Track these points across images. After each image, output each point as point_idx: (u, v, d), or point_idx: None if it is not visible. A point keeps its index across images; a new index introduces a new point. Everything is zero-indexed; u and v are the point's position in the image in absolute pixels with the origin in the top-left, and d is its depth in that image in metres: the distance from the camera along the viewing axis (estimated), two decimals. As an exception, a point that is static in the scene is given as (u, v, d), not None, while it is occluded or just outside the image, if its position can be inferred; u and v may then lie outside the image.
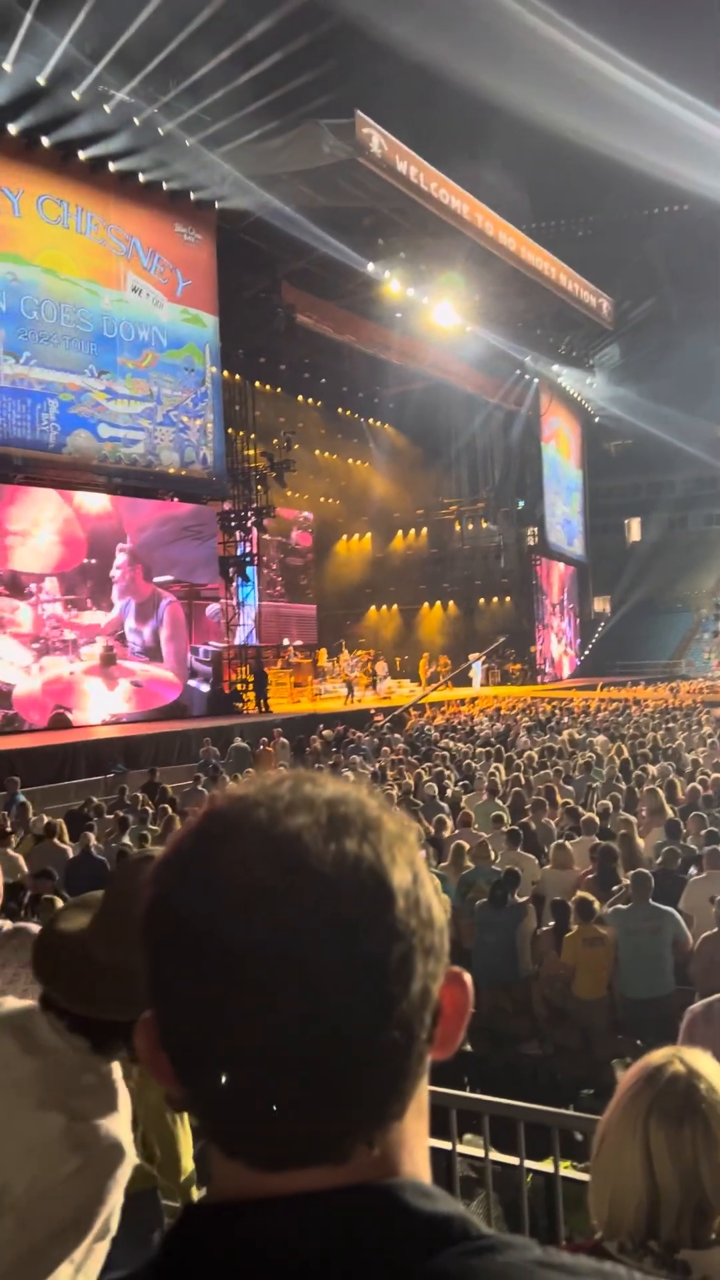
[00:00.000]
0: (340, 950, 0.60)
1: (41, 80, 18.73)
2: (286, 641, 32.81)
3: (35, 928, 2.18)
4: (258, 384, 29.01)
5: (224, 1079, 0.60)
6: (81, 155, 20.41)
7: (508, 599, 37.96)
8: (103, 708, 20.76)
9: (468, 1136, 3.70)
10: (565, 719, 21.36)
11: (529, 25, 26.19)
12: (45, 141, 19.69)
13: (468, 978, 0.68)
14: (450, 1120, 3.40)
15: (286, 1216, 0.60)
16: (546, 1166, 3.36)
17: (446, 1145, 3.37)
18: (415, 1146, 0.65)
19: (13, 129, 19.11)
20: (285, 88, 21.69)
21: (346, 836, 0.63)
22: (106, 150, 20.60)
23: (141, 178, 21.69)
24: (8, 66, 18.20)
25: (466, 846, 8.47)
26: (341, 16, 22.28)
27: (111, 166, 21.03)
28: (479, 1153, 3.45)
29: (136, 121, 20.72)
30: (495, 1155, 3.44)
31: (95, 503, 21.32)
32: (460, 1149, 3.51)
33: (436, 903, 0.66)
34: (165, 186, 22.21)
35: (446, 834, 9.36)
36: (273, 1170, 0.61)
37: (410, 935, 0.62)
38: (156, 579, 22.26)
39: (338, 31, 22.98)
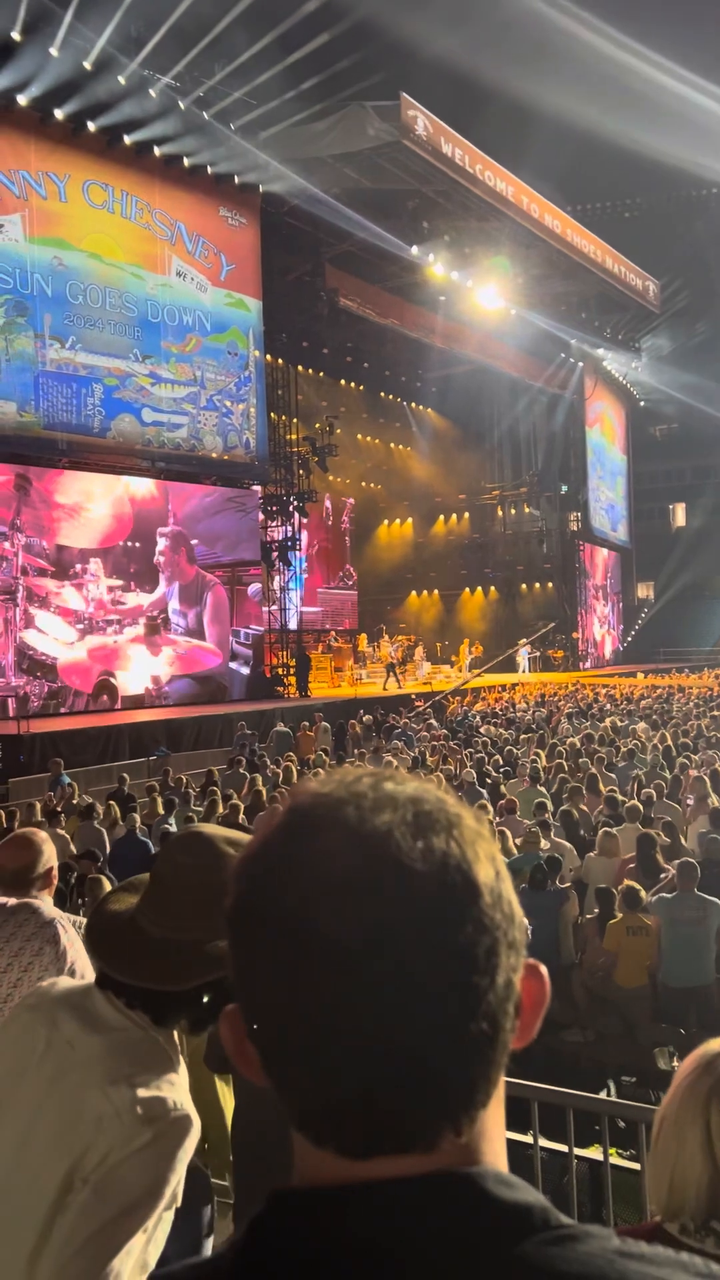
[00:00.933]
0: (431, 944, 0.61)
1: (87, 65, 18.80)
2: (329, 627, 32.87)
3: (40, 904, 2.21)
4: (300, 368, 29.02)
5: (314, 1070, 0.62)
6: (127, 140, 20.47)
7: (550, 585, 37.74)
8: (145, 672, 21.06)
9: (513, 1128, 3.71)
10: (608, 706, 21.22)
11: (567, 25, 26.04)
12: (91, 126, 19.77)
13: (544, 970, 0.69)
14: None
15: (375, 1202, 0.61)
16: (594, 1154, 3.36)
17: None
18: (495, 1135, 0.66)
19: (59, 114, 19.19)
20: (328, 71, 21.61)
21: (433, 833, 0.64)
22: (151, 135, 20.65)
23: (186, 162, 21.72)
24: (54, 52, 18.27)
25: (509, 833, 8.46)
26: (385, 2, 22.16)
27: (156, 151, 21.08)
28: (527, 1139, 3.46)
29: (181, 106, 20.73)
30: (544, 1142, 3.45)
31: (141, 485, 21.49)
32: (508, 1135, 3.51)
33: (515, 898, 0.67)
34: (210, 170, 22.22)
35: (497, 820, 9.34)
36: (362, 1158, 0.62)
37: (495, 929, 0.64)
38: (200, 555, 22.44)
39: (380, 18, 22.84)
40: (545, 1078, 3.63)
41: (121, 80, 19.45)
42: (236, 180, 22.80)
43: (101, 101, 19.49)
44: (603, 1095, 5.19)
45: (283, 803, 0.69)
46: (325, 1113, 0.63)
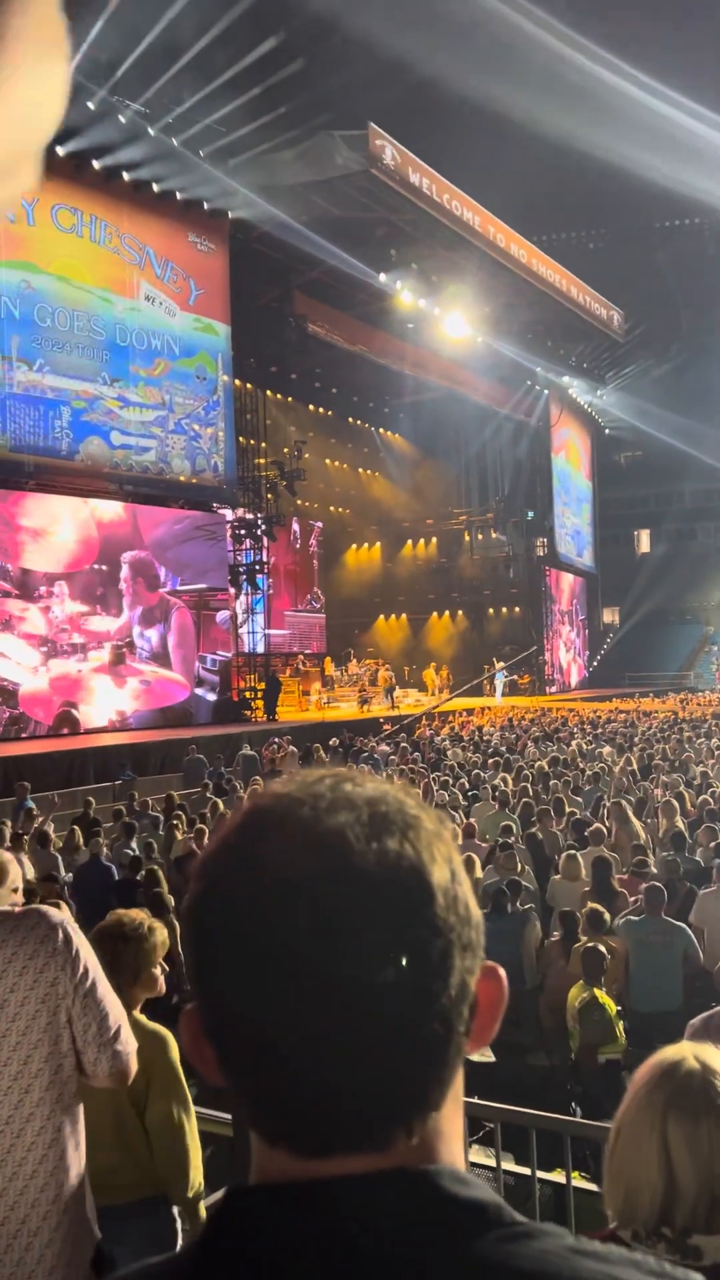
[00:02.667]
0: (383, 945, 0.62)
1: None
2: (296, 649, 32.84)
3: (51, 911, 2.22)
4: (269, 393, 29.13)
5: (268, 1069, 0.63)
6: (96, 165, 20.52)
7: (517, 609, 37.96)
8: (109, 706, 20.84)
9: (476, 1147, 3.70)
10: (574, 730, 21.32)
11: (537, 38, 26.35)
12: (60, 152, 19.78)
13: (502, 972, 0.70)
14: (462, 1127, 3.39)
15: (329, 1198, 0.62)
16: (558, 1178, 3.35)
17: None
18: (451, 1135, 0.67)
19: (28, 138, 19.20)
20: (297, 100, 21.81)
21: (387, 835, 0.65)
22: (120, 160, 20.73)
23: (155, 187, 21.81)
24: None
25: (477, 859, 8.46)
26: (351, 31, 22.42)
27: (125, 176, 21.16)
28: (490, 1162, 3.45)
29: (151, 132, 20.83)
30: (507, 1165, 3.44)
31: (108, 508, 21.42)
32: (471, 1158, 3.50)
33: (473, 899, 0.68)
34: (179, 196, 22.33)
35: (457, 844, 9.33)
36: (315, 1157, 0.63)
37: (449, 931, 0.64)
38: (167, 584, 22.36)
39: (348, 46, 23.10)
40: (511, 1103, 3.62)
41: (91, 106, 19.51)
42: (205, 206, 22.93)
43: (71, 127, 19.50)
44: (565, 1117, 5.19)
45: (245, 802, 0.70)
46: (277, 1112, 0.64)
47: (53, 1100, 2.15)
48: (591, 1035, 5.67)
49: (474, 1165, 3.56)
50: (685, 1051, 1.42)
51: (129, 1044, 2.28)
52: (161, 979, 3.19)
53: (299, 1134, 0.63)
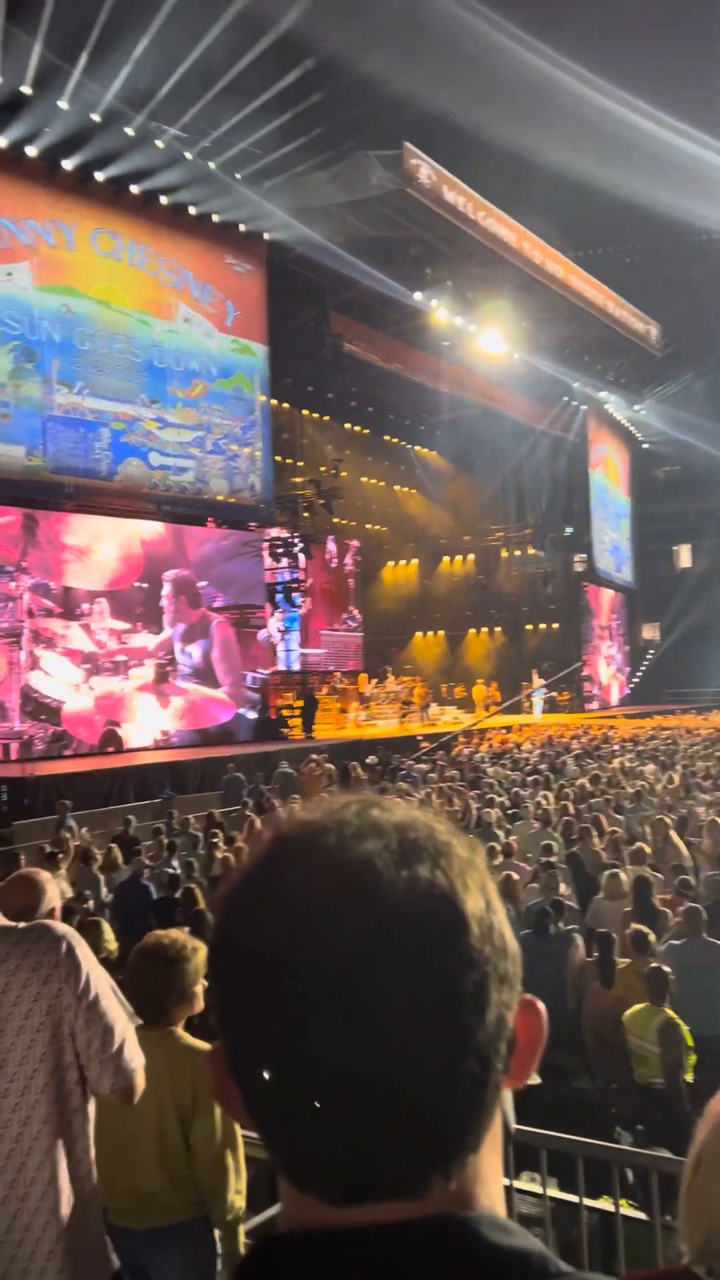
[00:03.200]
0: (413, 978, 0.59)
1: (95, 117, 19.19)
2: (332, 667, 32.88)
3: (55, 925, 2.24)
4: (306, 412, 29.29)
5: (295, 1110, 0.59)
6: (134, 190, 20.83)
7: (555, 625, 37.74)
8: (153, 725, 20.97)
9: (525, 1174, 3.64)
10: (615, 747, 21.11)
11: (563, 82, 26.59)
12: (99, 177, 20.14)
13: (541, 1006, 0.67)
14: (508, 1154, 3.34)
15: (362, 1248, 0.59)
16: (606, 1206, 3.29)
17: (504, 1181, 3.31)
18: (490, 1179, 0.64)
19: (67, 165, 19.57)
20: (333, 121, 21.99)
21: (418, 862, 0.61)
22: (158, 185, 21.02)
23: (192, 211, 22.08)
24: (63, 105, 18.65)
25: (516, 877, 8.38)
26: (385, 55, 22.59)
27: (163, 200, 21.45)
28: (537, 1189, 3.39)
29: (188, 156, 21.10)
30: (553, 1192, 3.38)
31: (151, 527, 21.62)
32: (517, 1185, 3.45)
33: (509, 930, 0.65)
34: (215, 219, 22.59)
35: (497, 863, 9.25)
36: (348, 1204, 0.59)
37: (484, 963, 0.61)
38: (210, 601, 22.51)
39: (383, 69, 23.28)
40: (554, 1127, 3.56)
41: (129, 131, 19.83)
42: (242, 228, 23.17)
43: (109, 152, 19.85)
44: (613, 1145, 5.09)
45: (267, 832, 0.67)
46: (307, 1157, 0.60)
47: (58, 1115, 2.14)
48: (673, 1057, 5.56)
49: (520, 1192, 3.51)
50: None
51: (134, 1060, 2.25)
52: (201, 997, 3.19)
53: (330, 1180, 0.60)
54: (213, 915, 0.66)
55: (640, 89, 28.42)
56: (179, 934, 3.25)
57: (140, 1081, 2.27)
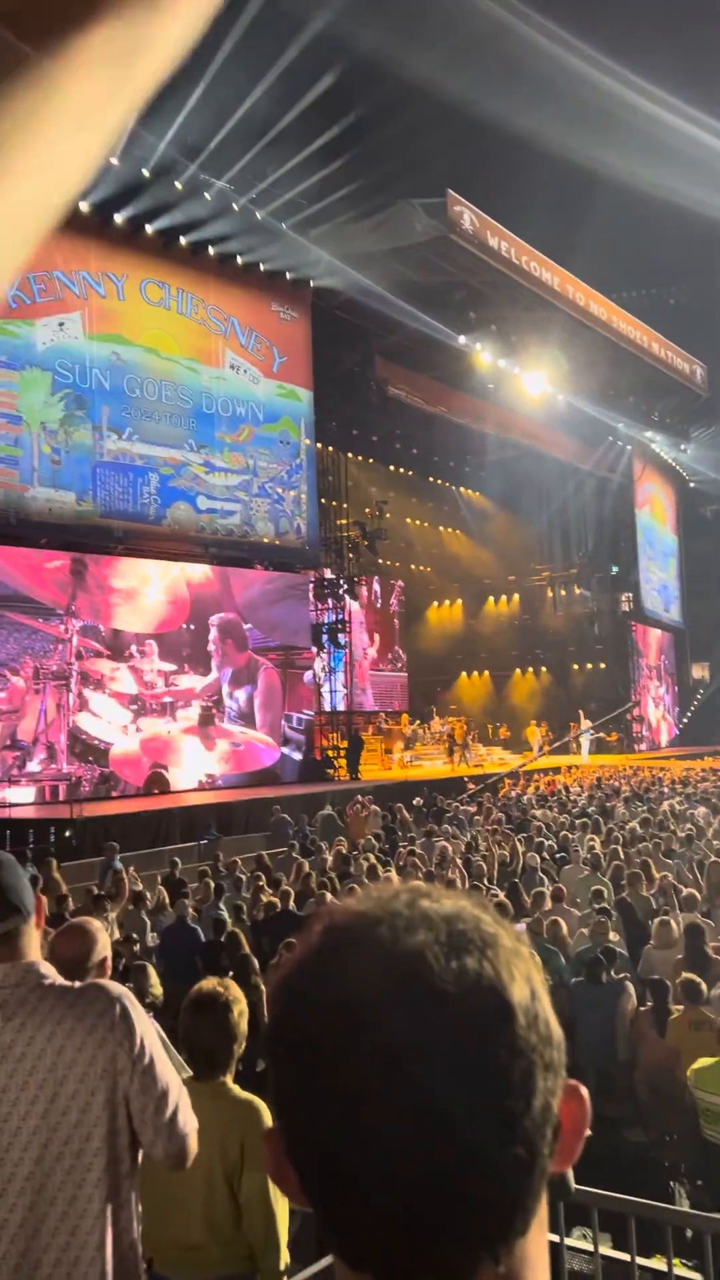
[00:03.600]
0: (464, 1067, 0.60)
1: (146, 172, 19.73)
2: (377, 708, 32.86)
3: (106, 982, 2.20)
4: (350, 455, 29.53)
5: (348, 1195, 0.61)
6: (183, 241, 21.33)
7: (602, 665, 37.46)
8: (199, 768, 21.06)
9: (577, 1230, 3.56)
10: (665, 789, 20.82)
11: (619, 95, 26.59)
12: (149, 229, 20.65)
13: (585, 1092, 0.68)
14: (558, 1211, 3.28)
15: None
16: (659, 1265, 3.21)
17: (554, 1238, 3.25)
18: (537, 1261, 0.64)
19: (119, 218, 20.10)
20: (377, 170, 22.43)
21: (466, 954, 0.63)
22: (207, 235, 21.52)
23: (240, 260, 22.54)
24: (115, 161, 19.18)
25: (564, 923, 8.27)
26: (431, 98, 23.00)
27: (211, 250, 21.93)
28: (588, 1246, 3.31)
29: (235, 207, 21.59)
30: (605, 1250, 3.30)
31: (198, 570, 21.87)
32: (569, 1242, 3.37)
33: (554, 1018, 0.66)
34: (262, 268, 23.03)
35: (546, 908, 9.13)
36: None
37: (531, 1051, 0.62)
38: (256, 644, 22.67)
39: (429, 116, 23.71)
40: (606, 1178, 3.49)
41: (178, 185, 20.35)
42: (288, 276, 23.58)
43: (159, 205, 20.38)
44: (667, 1204, 4.97)
45: (319, 922, 0.69)
46: (359, 1237, 0.61)
47: (110, 1180, 2.10)
48: None
49: (571, 1249, 3.43)
50: None
51: (188, 1124, 2.21)
52: (244, 1042, 3.20)
53: (382, 1263, 0.61)
54: (269, 1004, 0.68)
55: (700, 103, 28.40)
56: (228, 983, 3.27)
57: (193, 1147, 2.24)
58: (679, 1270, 3.28)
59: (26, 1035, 2.09)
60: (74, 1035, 2.09)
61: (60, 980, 2.20)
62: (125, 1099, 2.11)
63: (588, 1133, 0.67)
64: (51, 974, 2.20)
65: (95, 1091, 2.08)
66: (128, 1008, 2.15)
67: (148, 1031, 2.17)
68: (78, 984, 2.20)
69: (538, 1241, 0.64)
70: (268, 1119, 3.04)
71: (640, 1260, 3.35)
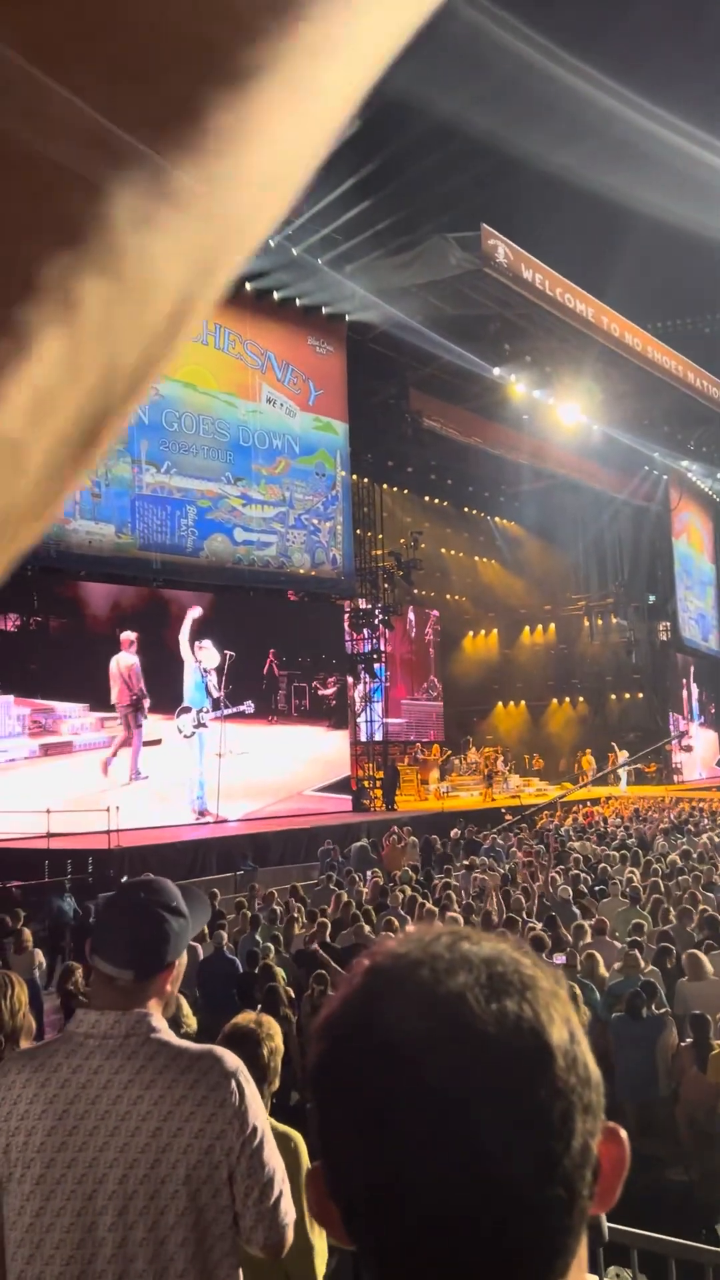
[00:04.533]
0: (504, 1109, 0.61)
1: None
2: (415, 739, 32.80)
3: (228, 1057, 2.04)
4: (385, 486, 29.68)
5: (390, 1236, 0.62)
6: (220, 277, 21.63)
7: (639, 695, 37.16)
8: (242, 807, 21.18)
9: (614, 1269, 3.52)
10: (705, 821, 20.58)
11: (648, 129, 26.74)
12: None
13: (623, 1134, 0.68)
14: (598, 1253, 3.25)
15: None
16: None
17: (593, 1279, 3.21)
18: None
19: (157, 257, 20.43)
20: (413, 206, 22.69)
21: (507, 996, 0.64)
22: (243, 271, 21.77)
23: (276, 296, 22.85)
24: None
25: (599, 957, 8.20)
26: (466, 133, 23.26)
27: (248, 286, 22.24)
28: (628, 1288, 3.28)
29: (271, 244, 21.88)
30: (646, 1293, 3.26)
31: (236, 601, 22.05)
32: (608, 1283, 3.34)
33: (592, 1060, 0.66)
34: (298, 303, 23.33)
35: (586, 941, 9.05)
36: None
37: (570, 1093, 0.63)
38: (293, 673, 22.78)
39: (463, 151, 23.97)
40: (647, 1219, 3.45)
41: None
42: (324, 311, 23.85)
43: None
44: (708, 1244, 4.88)
45: (361, 963, 0.70)
46: (400, 1277, 0.62)
47: (199, 1270, 1.93)
48: None
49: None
50: None
51: (289, 1213, 2.07)
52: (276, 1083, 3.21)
53: None
54: (312, 1044, 0.69)
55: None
56: (264, 1019, 3.29)
57: (290, 1238, 2.09)
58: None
59: (134, 1093, 1.94)
60: (183, 1104, 1.94)
61: (174, 1039, 2.04)
62: (230, 1179, 1.97)
63: (626, 1175, 0.68)
64: (163, 1028, 2.04)
65: (197, 1167, 1.92)
66: (243, 1085, 2.01)
67: (260, 1112, 2.04)
68: (194, 1046, 2.04)
69: None
70: (303, 1150, 3.05)
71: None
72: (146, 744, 19.77)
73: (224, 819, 20.54)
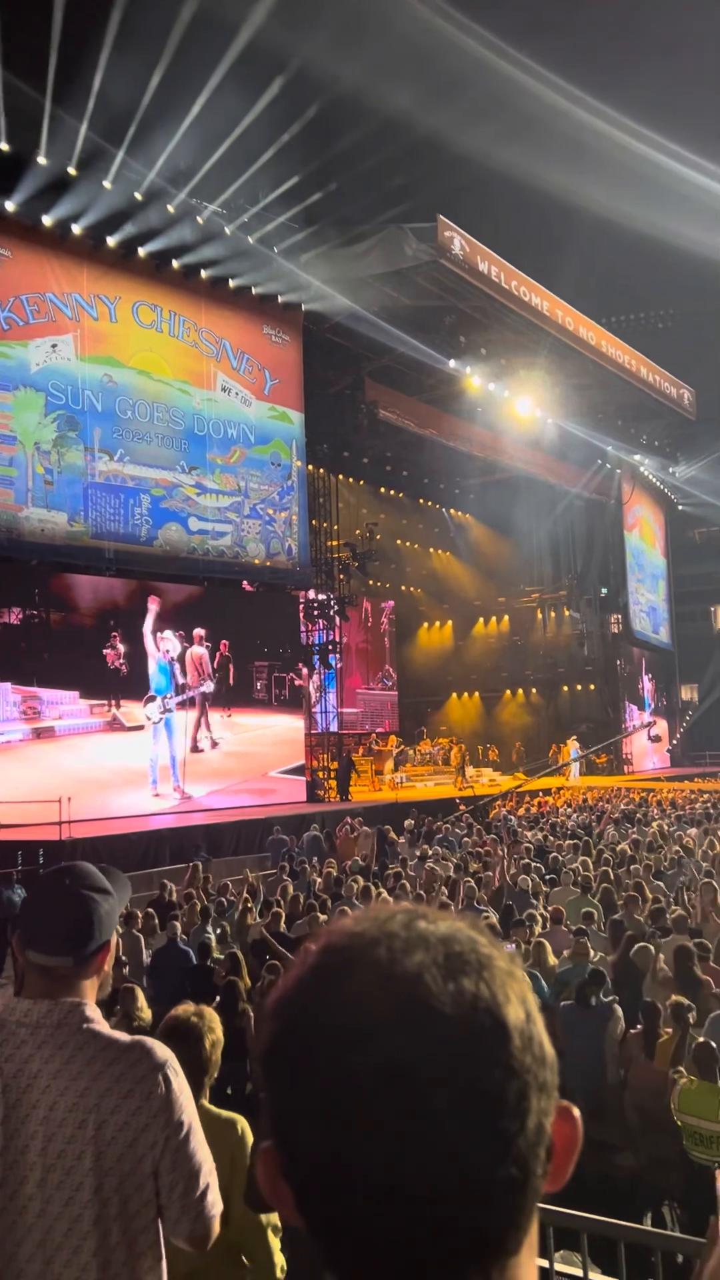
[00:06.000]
0: (459, 1088, 0.61)
1: (138, 196, 19.88)
2: (369, 729, 32.87)
3: (156, 1048, 2.04)
4: (341, 476, 29.64)
5: (343, 1213, 0.62)
6: (175, 264, 21.45)
7: (592, 686, 37.55)
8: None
9: (563, 1253, 3.56)
10: (654, 811, 20.85)
11: (598, 128, 27.01)
12: (141, 252, 20.77)
13: (577, 1112, 0.69)
14: (547, 1236, 3.28)
15: None
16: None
17: (543, 1263, 3.24)
18: None
19: (111, 241, 20.20)
20: (368, 196, 22.67)
21: (464, 975, 0.64)
22: (198, 259, 21.65)
23: (231, 284, 22.67)
24: (107, 185, 19.33)
25: (548, 945, 8.28)
26: (421, 129, 23.28)
27: (203, 274, 22.05)
28: (577, 1271, 3.31)
29: (227, 231, 21.73)
30: (595, 1276, 3.30)
31: (189, 591, 21.91)
32: (558, 1267, 3.37)
33: (548, 1039, 0.67)
34: (254, 291, 23.17)
35: (544, 930, 9.13)
36: None
37: (525, 1072, 0.63)
38: (246, 664, 22.72)
39: (418, 143, 24.00)
40: (596, 1204, 3.49)
41: (170, 209, 20.50)
42: (280, 300, 23.72)
43: (151, 229, 20.51)
44: (656, 1227, 4.97)
45: (317, 942, 0.69)
46: (354, 1255, 0.62)
47: (123, 1260, 1.92)
48: None
49: (560, 1274, 3.43)
50: None
51: (215, 1206, 2.05)
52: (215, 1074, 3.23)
53: (375, 1278, 0.62)
54: (265, 1022, 0.68)
55: (683, 139, 28.85)
56: (204, 1011, 3.28)
57: (216, 1230, 2.07)
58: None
59: (61, 1084, 1.93)
60: (109, 1096, 1.93)
61: (106, 1029, 2.02)
62: (154, 1173, 1.95)
63: (578, 1154, 0.69)
64: (97, 1019, 2.03)
65: (120, 1160, 1.91)
66: (170, 1078, 1.99)
67: (187, 1105, 2.02)
68: (123, 1038, 2.02)
69: (528, 1262, 0.65)
70: (250, 1138, 3.06)
71: (630, 1285, 3.35)
72: (129, 729, 20.14)
73: (190, 795, 20.78)
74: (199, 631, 21.75)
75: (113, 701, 20.07)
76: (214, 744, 21.77)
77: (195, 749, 21.37)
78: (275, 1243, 3.08)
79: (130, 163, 19.18)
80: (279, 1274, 3.04)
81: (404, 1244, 0.60)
